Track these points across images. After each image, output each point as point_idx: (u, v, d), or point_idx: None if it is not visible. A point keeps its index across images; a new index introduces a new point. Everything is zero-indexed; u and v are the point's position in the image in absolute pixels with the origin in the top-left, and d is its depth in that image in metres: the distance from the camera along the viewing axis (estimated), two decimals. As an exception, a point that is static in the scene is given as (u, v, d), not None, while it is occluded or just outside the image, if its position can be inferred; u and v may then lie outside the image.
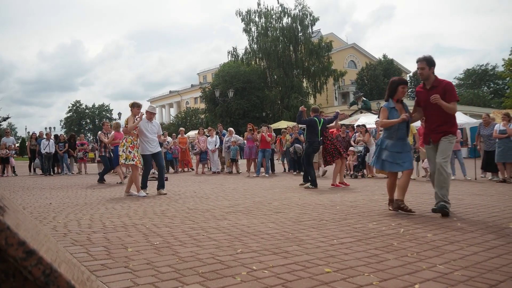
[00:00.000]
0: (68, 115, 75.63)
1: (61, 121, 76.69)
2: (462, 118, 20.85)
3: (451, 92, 4.95)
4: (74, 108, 75.76)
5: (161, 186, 7.91)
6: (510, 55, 35.77)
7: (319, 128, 8.88)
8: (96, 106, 79.89)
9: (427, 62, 4.99)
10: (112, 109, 78.97)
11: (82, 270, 1.09)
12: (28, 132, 44.17)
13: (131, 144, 7.77)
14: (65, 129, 70.20)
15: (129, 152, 7.74)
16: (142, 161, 8.02)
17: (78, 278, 0.92)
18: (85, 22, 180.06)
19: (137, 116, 7.73)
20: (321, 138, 8.94)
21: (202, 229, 4.17)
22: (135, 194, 7.56)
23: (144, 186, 7.87)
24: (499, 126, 9.67)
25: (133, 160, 7.71)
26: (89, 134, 69.68)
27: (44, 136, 16.17)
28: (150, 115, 8.11)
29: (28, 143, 17.67)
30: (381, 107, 5.43)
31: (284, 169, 14.82)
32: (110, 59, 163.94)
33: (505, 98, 38.79)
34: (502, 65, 37.75)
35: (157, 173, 8.79)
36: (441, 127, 5.00)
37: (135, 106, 7.95)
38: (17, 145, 20.07)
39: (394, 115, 5.20)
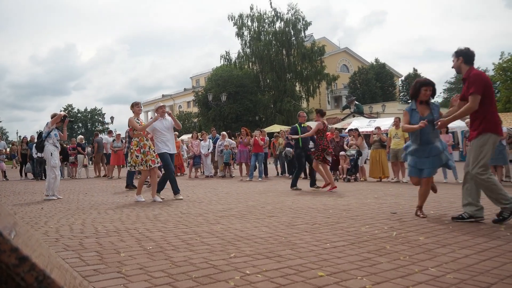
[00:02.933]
0: (60, 119, 75.14)
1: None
2: (453, 122, 20.96)
3: (473, 84, 4.49)
4: (66, 112, 75.19)
5: (160, 189, 7.62)
6: (500, 59, 36.19)
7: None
8: (89, 110, 79.55)
9: (456, 54, 4.74)
10: (105, 113, 78.59)
11: (74, 276, 1.09)
12: (20, 136, 43.80)
13: (136, 147, 7.32)
14: (56, 133, 69.56)
15: (136, 156, 7.30)
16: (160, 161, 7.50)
17: (70, 283, 0.92)
18: (79, 26, 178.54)
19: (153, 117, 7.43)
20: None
21: (195, 234, 4.16)
22: (141, 200, 7.27)
23: (177, 190, 7.50)
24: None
25: (141, 165, 7.29)
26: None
27: (36, 141, 16.03)
28: (161, 109, 7.60)
29: (19, 147, 17.51)
30: (404, 110, 5.26)
31: (277, 172, 14.83)
32: (103, 63, 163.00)
33: (496, 102, 39.15)
34: (493, 69, 38.17)
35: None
36: (473, 123, 4.67)
37: (135, 105, 7.67)
38: (8, 149, 19.84)
39: (415, 117, 5.00)
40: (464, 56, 4.70)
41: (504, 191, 4.43)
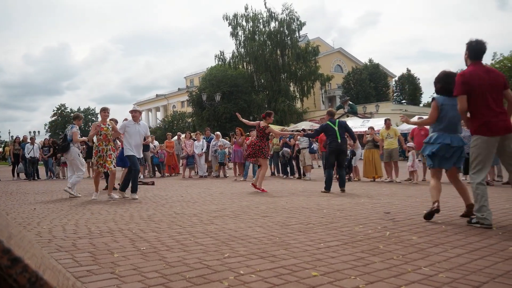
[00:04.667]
0: (53, 119, 74.45)
1: (45, 125, 75.40)
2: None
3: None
4: (59, 112, 74.70)
5: (134, 190, 7.84)
6: (492, 60, 36.48)
7: (336, 129, 8.44)
8: (82, 109, 79.09)
9: (466, 46, 4.39)
10: (98, 113, 78.19)
11: (67, 277, 1.08)
12: (12, 136, 43.53)
13: (94, 150, 7.89)
14: (49, 133, 69.05)
15: (94, 159, 7.91)
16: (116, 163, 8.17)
17: (63, 284, 0.91)
18: (73, 25, 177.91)
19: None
20: (341, 139, 8.47)
21: (189, 234, 4.15)
22: (115, 198, 7.67)
23: (134, 190, 7.75)
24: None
25: (98, 167, 7.83)
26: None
27: (28, 140, 15.94)
28: (135, 114, 7.93)
29: (11, 147, 17.37)
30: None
31: (272, 172, 14.83)
32: (97, 63, 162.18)
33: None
34: (485, 70, 38.45)
35: (142, 177, 8.68)
36: None
37: (102, 111, 8.07)
38: (0, 149, 19.68)
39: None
40: (469, 51, 4.38)
41: None
